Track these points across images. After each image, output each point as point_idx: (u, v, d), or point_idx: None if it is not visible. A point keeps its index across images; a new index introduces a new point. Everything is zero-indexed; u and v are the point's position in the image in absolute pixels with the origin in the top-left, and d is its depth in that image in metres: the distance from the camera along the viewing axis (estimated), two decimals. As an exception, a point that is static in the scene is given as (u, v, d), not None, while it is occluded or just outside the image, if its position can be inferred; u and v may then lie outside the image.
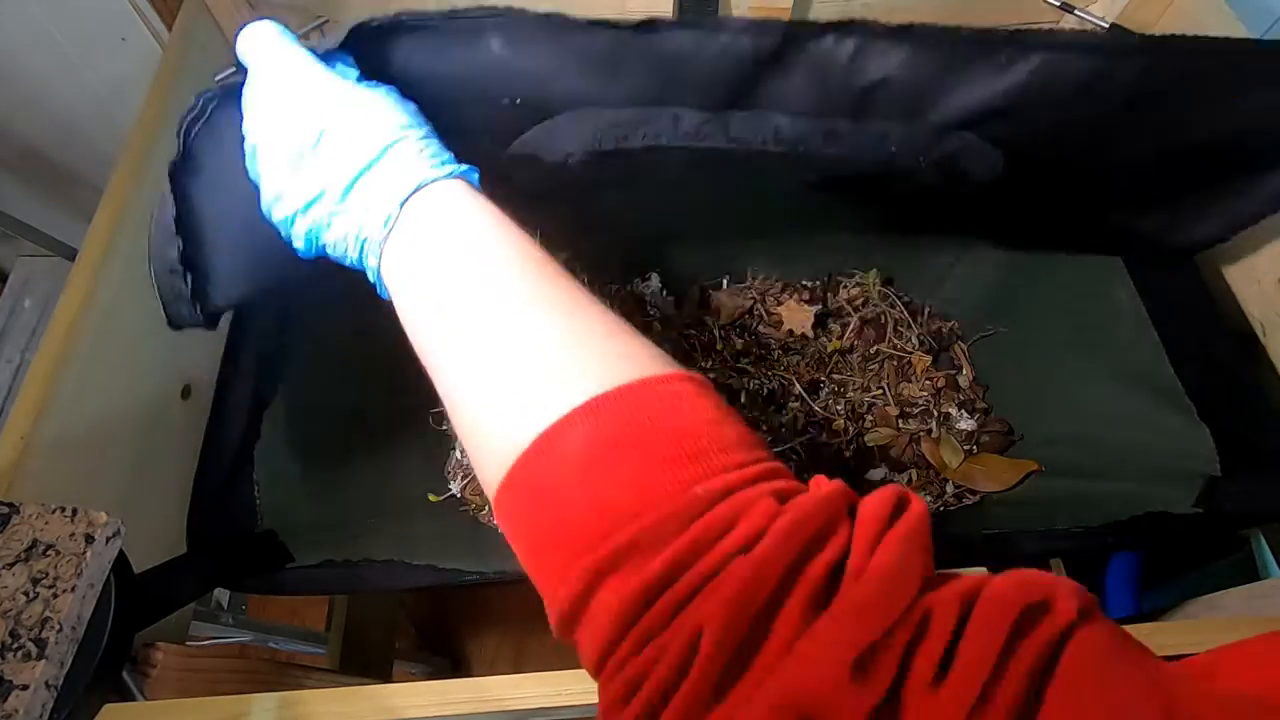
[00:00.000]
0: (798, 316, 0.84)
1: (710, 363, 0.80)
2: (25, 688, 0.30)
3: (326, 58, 0.37)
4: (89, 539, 0.34)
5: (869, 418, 0.79)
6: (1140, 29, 0.64)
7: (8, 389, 0.87)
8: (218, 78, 0.63)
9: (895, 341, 0.83)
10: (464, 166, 0.34)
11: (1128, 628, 0.21)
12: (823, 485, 0.23)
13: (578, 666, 0.41)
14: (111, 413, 0.49)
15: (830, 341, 0.83)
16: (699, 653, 0.20)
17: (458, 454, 0.79)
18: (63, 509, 0.35)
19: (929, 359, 0.82)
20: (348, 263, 0.35)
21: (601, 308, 0.29)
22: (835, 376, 0.81)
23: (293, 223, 0.36)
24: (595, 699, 0.35)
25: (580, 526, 0.24)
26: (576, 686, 0.41)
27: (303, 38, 0.37)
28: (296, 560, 0.55)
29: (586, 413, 0.25)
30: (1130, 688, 0.18)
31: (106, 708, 0.39)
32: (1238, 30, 0.58)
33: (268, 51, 0.36)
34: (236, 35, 0.37)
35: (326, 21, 0.54)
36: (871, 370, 0.82)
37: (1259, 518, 0.59)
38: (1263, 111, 0.46)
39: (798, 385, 0.79)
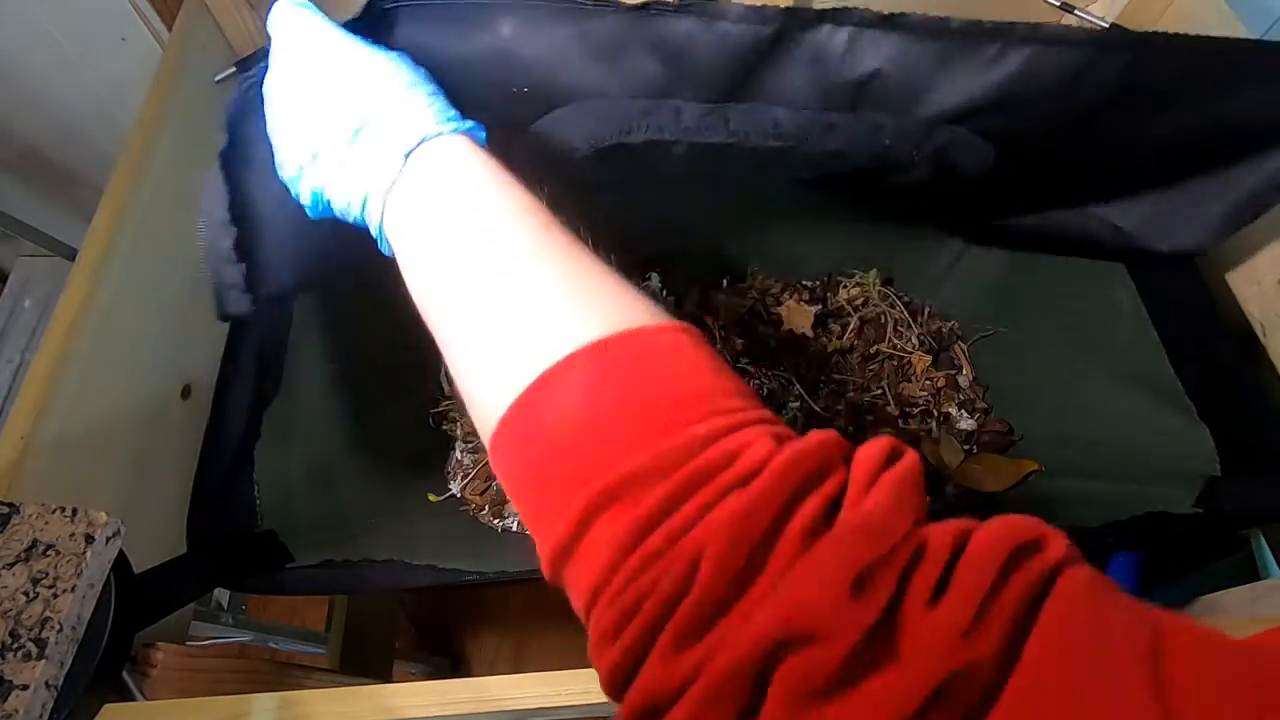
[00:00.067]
0: (798, 316, 0.84)
1: (710, 363, 0.80)
2: (25, 688, 0.30)
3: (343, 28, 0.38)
4: (89, 539, 0.34)
5: (869, 418, 0.79)
6: (1140, 29, 0.64)
7: (8, 389, 0.87)
8: (218, 78, 0.64)
9: (895, 341, 0.83)
10: (469, 123, 0.35)
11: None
12: (818, 434, 0.24)
13: (578, 666, 0.41)
14: (111, 413, 0.49)
15: (830, 341, 0.83)
16: (698, 574, 0.20)
17: (458, 454, 0.79)
18: (63, 509, 0.35)
19: (929, 359, 0.82)
20: (351, 219, 0.36)
21: (603, 264, 0.29)
22: (835, 376, 0.81)
23: (299, 180, 0.36)
24: (595, 699, 0.35)
25: (578, 462, 0.24)
26: (576, 686, 0.41)
27: None
28: (296, 560, 0.55)
29: (589, 354, 0.25)
30: (1120, 616, 0.19)
31: (106, 708, 0.39)
32: (1238, 30, 0.58)
33: (286, 20, 0.37)
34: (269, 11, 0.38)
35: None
36: (871, 370, 0.82)
37: (1259, 518, 0.59)
38: (1249, 109, 0.46)
39: (798, 385, 0.79)
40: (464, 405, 0.87)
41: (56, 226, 0.88)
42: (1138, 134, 0.50)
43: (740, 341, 0.82)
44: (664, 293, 0.84)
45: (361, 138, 0.33)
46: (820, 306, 0.84)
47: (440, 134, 0.33)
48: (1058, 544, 0.20)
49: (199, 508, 0.54)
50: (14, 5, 0.67)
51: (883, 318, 0.84)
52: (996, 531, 0.20)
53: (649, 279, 0.85)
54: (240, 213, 0.39)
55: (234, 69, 0.62)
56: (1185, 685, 0.17)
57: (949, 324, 0.84)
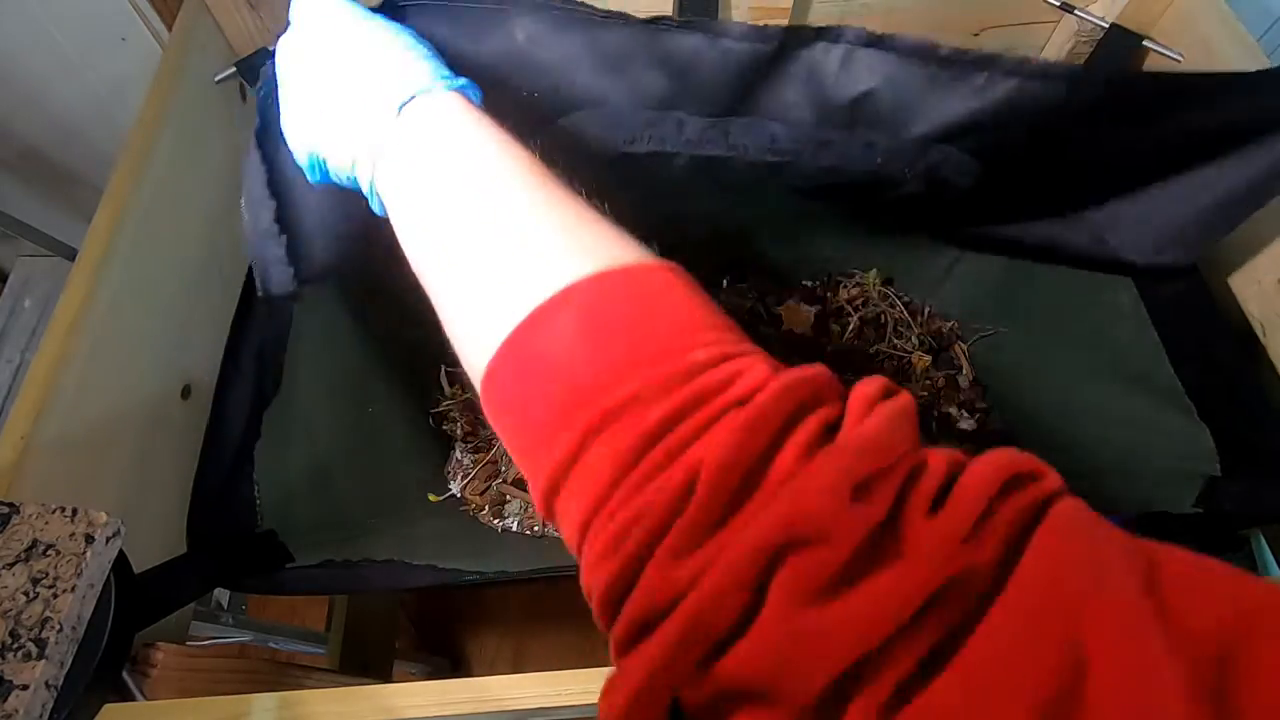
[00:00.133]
0: (798, 317, 0.84)
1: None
2: (25, 688, 0.30)
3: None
4: (89, 539, 0.34)
5: (869, 418, 0.79)
6: (1140, 29, 0.64)
7: (8, 389, 0.87)
8: (218, 78, 0.64)
9: (895, 342, 0.83)
10: (462, 81, 0.35)
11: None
12: (813, 366, 0.24)
13: (578, 666, 0.41)
14: (111, 413, 0.49)
15: (830, 342, 0.83)
16: (698, 486, 0.20)
17: (458, 454, 0.79)
18: (63, 509, 0.35)
19: (929, 359, 0.82)
20: (346, 180, 0.36)
21: (595, 210, 0.29)
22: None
23: (300, 144, 0.37)
24: (595, 699, 0.35)
25: (576, 389, 0.24)
26: (576, 686, 0.41)
27: None
28: (296, 560, 0.55)
29: (586, 286, 0.25)
30: (1115, 540, 0.19)
31: (106, 708, 0.39)
32: (1238, 30, 0.58)
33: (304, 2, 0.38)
34: None
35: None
36: (871, 370, 0.82)
37: (1259, 518, 0.59)
38: (1218, 130, 0.49)
39: (798, 385, 0.79)
40: (464, 405, 0.87)
41: (56, 226, 0.88)
42: (1117, 152, 0.52)
43: (740, 341, 0.82)
44: (664, 293, 0.84)
45: (355, 97, 0.34)
46: (820, 306, 0.84)
47: (432, 90, 0.33)
48: (1054, 477, 0.21)
49: (199, 508, 0.54)
50: (14, 5, 0.67)
51: (883, 318, 0.84)
52: (994, 459, 0.20)
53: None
54: (277, 189, 0.41)
55: (234, 69, 0.62)
56: (1175, 585, 0.18)
57: (949, 324, 0.84)
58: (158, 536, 0.52)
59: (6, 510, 0.35)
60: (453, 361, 0.83)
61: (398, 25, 0.38)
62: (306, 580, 0.54)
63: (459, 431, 0.80)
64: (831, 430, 0.22)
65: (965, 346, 0.83)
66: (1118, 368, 0.65)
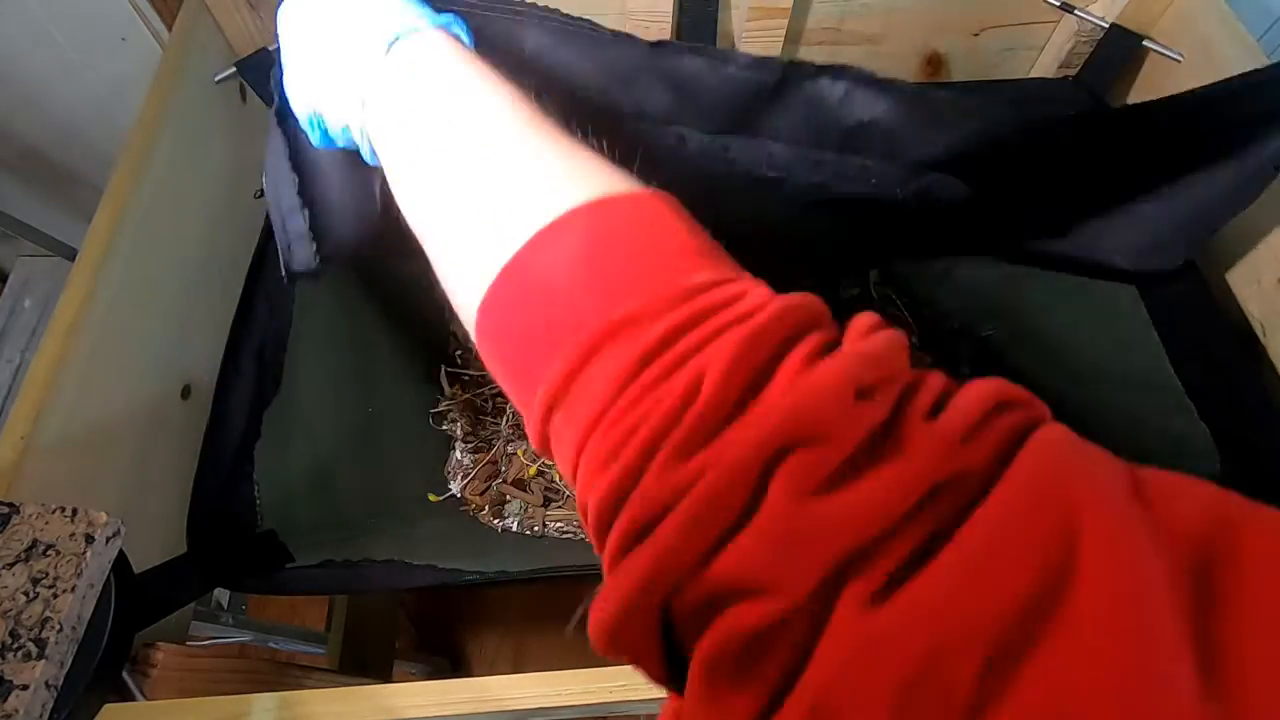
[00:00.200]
0: (798, 316, 0.84)
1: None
2: (25, 688, 0.30)
3: None
4: (89, 539, 0.34)
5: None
6: (1140, 29, 0.64)
7: (8, 389, 0.87)
8: (218, 78, 0.63)
9: (895, 341, 0.83)
10: (447, 16, 0.35)
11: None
12: (808, 294, 0.24)
13: (578, 666, 0.41)
14: (111, 413, 0.49)
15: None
16: (700, 393, 0.20)
17: (458, 454, 0.79)
18: (63, 509, 0.35)
19: (929, 359, 0.81)
20: (343, 137, 0.36)
21: (587, 145, 0.29)
22: (835, 376, 0.81)
23: (299, 102, 0.37)
24: (595, 699, 0.35)
25: (575, 310, 0.23)
26: (576, 686, 0.41)
27: None
28: (296, 560, 0.55)
29: (588, 210, 0.25)
30: (1102, 455, 0.20)
31: (106, 708, 0.39)
32: (1238, 30, 0.58)
33: None
34: None
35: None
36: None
37: (1259, 518, 0.59)
38: (1201, 144, 0.50)
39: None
40: (464, 405, 0.87)
41: (56, 226, 0.88)
42: (1099, 171, 0.54)
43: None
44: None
45: (345, 45, 0.34)
46: (820, 306, 0.84)
47: (417, 29, 0.33)
48: (1042, 407, 0.21)
49: (199, 508, 0.54)
50: (14, 5, 0.67)
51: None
52: (987, 383, 0.21)
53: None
54: (299, 166, 0.42)
55: (234, 69, 0.62)
56: (1160, 493, 0.19)
57: (949, 324, 0.84)
58: (158, 536, 0.52)
59: (6, 510, 0.35)
60: (453, 361, 0.83)
61: None
62: (306, 580, 0.54)
63: (459, 431, 0.80)
64: (831, 349, 0.22)
65: (965, 346, 0.83)
66: (1118, 368, 0.65)
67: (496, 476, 0.77)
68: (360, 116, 0.34)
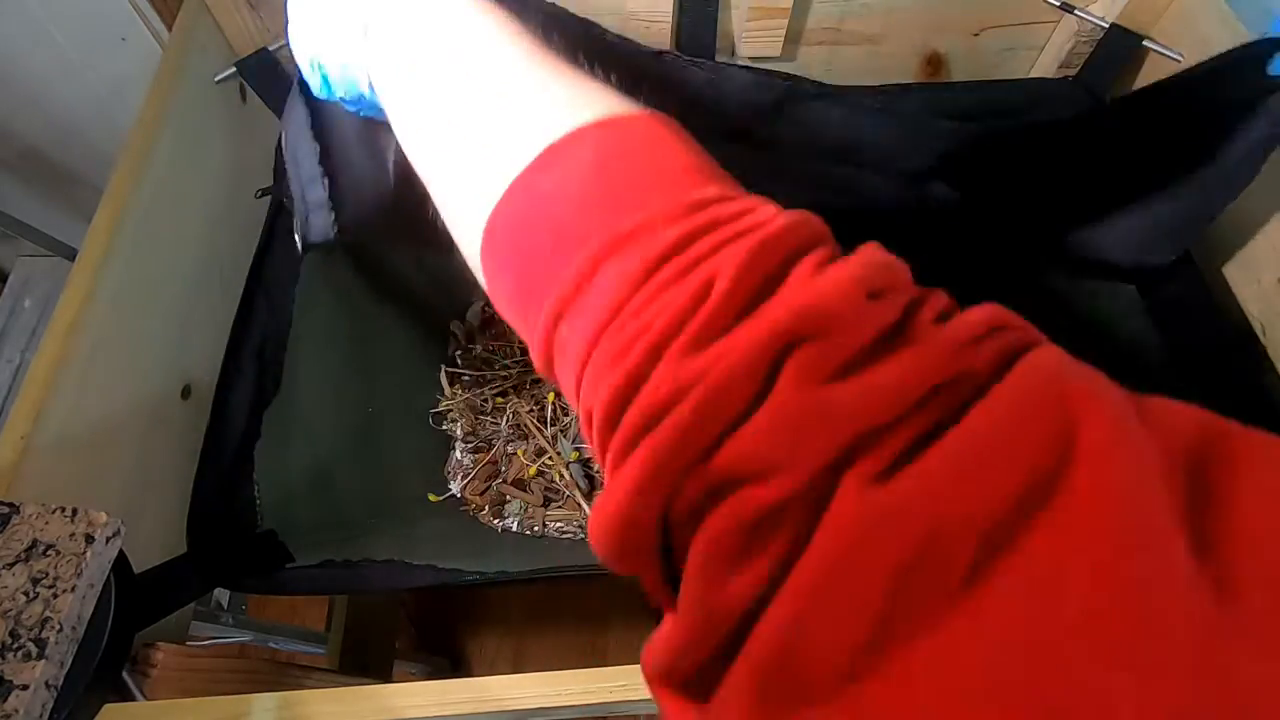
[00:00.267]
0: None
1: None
2: (25, 688, 0.30)
3: None
4: (89, 539, 0.34)
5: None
6: (1140, 29, 0.64)
7: (8, 389, 0.87)
8: (218, 78, 0.63)
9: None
10: None
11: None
12: None
13: (578, 666, 0.41)
14: (111, 413, 0.49)
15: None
16: (712, 292, 0.20)
17: (458, 454, 0.79)
18: (63, 509, 0.35)
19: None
20: (343, 85, 0.36)
21: (590, 73, 0.29)
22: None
23: (301, 51, 0.37)
24: (595, 699, 0.35)
25: (584, 223, 0.23)
26: (576, 686, 0.41)
27: None
28: (296, 560, 0.55)
29: (596, 129, 0.25)
30: (1100, 373, 0.20)
31: (106, 708, 0.39)
32: (1238, 30, 0.58)
33: None
34: None
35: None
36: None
37: (1259, 518, 0.59)
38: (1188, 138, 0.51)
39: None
40: (464, 405, 0.87)
41: (56, 226, 0.88)
42: (1090, 173, 0.55)
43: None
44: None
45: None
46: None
47: None
48: (1039, 332, 0.22)
49: (199, 508, 0.54)
50: (14, 5, 0.67)
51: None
52: (986, 306, 0.22)
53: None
54: (320, 135, 0.42)
55: (234, 69, 0.62)
56: (1153, 406, 0.19)
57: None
58: (158, 536, 0.52)
59: (6, 510, 0.35)
60: (453, 362, 0.83)
61: None
62: (306, 580, 0.54)
63: (459, 431, 0.80)
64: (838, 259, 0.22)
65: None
66: (1118, 368, 0.65)
67: (496, 476, 0.77)
68: (362, 50, 0.34)
